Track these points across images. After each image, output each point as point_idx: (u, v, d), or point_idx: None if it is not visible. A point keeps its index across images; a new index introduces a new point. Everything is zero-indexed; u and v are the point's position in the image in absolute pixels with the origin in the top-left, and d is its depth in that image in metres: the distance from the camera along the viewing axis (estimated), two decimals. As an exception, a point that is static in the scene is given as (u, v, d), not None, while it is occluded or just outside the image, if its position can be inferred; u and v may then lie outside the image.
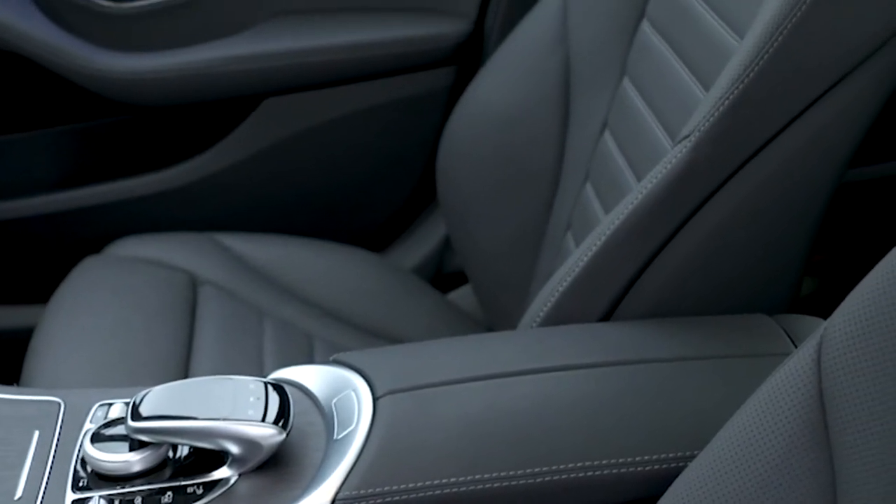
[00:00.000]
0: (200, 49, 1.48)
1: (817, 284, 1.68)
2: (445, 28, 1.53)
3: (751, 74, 0.89)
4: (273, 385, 0.79)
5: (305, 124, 1.54)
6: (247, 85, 1.49)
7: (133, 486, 0.76)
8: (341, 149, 1.57)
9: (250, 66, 1.48)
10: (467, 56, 1.56)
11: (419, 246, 1.66)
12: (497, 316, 1.36)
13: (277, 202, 1.59)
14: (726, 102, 0.90)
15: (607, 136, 1.21)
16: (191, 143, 1.54)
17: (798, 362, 0.64)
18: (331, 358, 0.89)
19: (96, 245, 1.41)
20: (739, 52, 0.91)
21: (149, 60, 1.47)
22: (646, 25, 1.18)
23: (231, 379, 0.79)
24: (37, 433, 0.81)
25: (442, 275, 1.66)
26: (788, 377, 0.64)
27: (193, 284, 1.31)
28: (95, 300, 1.27)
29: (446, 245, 1.65)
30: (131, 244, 1.38)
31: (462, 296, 1.59)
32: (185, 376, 1.17)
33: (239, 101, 1.52)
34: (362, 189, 1.62)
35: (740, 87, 0.89)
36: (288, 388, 0.81)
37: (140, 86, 1.47)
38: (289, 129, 1.53)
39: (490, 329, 1.41)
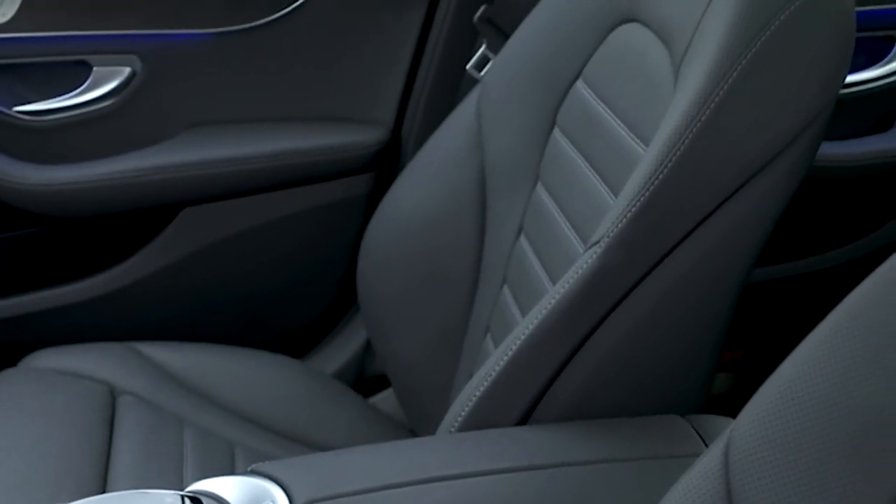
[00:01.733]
0: (118, 160, 1.48)
1: (733, 381, 1.71)
2: (363, 136, 1.56)
3: (656, 182, 0.92)
4: (190, 498, 0.79)
5: (224, 233, 1.54)
6: (165, 195, 1.50)
7: None
8: (261, 256, 1.58)
9: (168, 176, 1.48)
10: (385, 163, 1.58)
11: (340, 350, 1.66)
12: (419, 419, 1.36)
13: (198, 310, 1.58)
14: (633, 209, 0.92)
15: (523, 240, 1.23)
16: (109, 253, 1.54)
17: (707, 464, 0.65)
18: (249, 468, 0.89)
19: (13, 357, 1.40)
20: (645, 160, 0.94)
21: (67, 172, 1.47)
22: (557, 133, 1.21)
23: (147, 493, 0.79)
24: (-52, 554, 0.80)
25: (364, 379, 1.66)
26: (698, 478, 0.65)
27: (112, 395, 1.30)
28: (10, 414, 1.25)
29: (368, 349, 1.65)
30: (49, 356, 1.36)
31: (384, 399, 1.59)
32: (103, 491, 1.15)
33: (157, 211, 1.52)
34: (282, 295, 1.62)
35: (646, 194, 0.92)
36: (206, 501, 0.80)
37: (58, 197, 1.47)
38: (208, 238, 1.54)
39: (413, 432, 1.42)
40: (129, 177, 1.47)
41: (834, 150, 1.51)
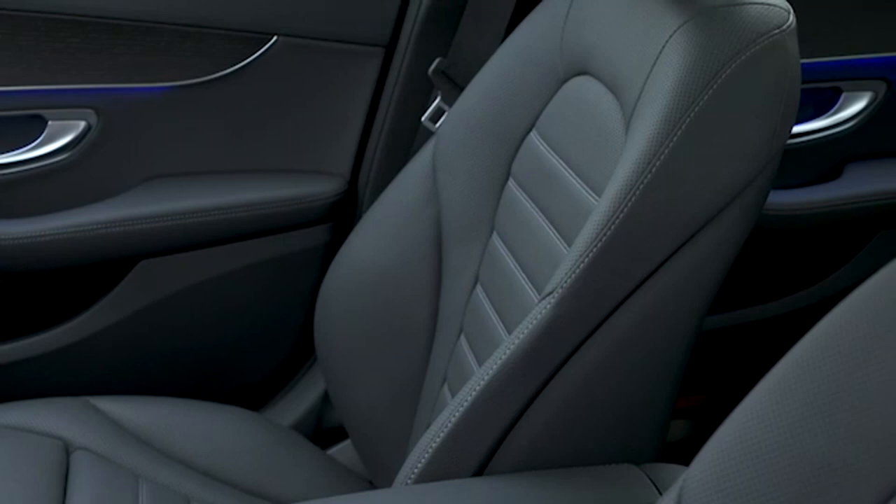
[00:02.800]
0: (74, 214, 1.47)
1: (691, 428, 1.72)
2: (320, 187, 1.56)
3: (608, 233, 0.93)
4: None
5: (181, 285, 1.54)
6: (121, 247, 1.49)
7: None
8: (218, 308, 1.58)
9: (124, 229, 1.48)
10: (342, 214, 1.59)
11: (298, 402, 1.65)
12: (378, 470, 1.36)
13: (154, 363, 1.58)
14: (587, 259, 0.93)
15: (479, 290, 1.24)
16: (65, 307, 1.53)
17: (660, 513, 0.66)
18: (205, 524, 0.89)
19: (-34, 413, 1.38)
20: (597, 210, 0.95)
21: (21, 226, 1.46)
22: (512, 184, 1.22)
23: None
24: None
25: (322, 430, 1.66)
26: (651, 528, 0.66)
27: (66, 451, 1.28)
28: (-37, 472, 1.23)
29: (325, 400, 1.65)
30: (1, 411, 1.35)
31: (342, 451, 1.58)
32: (57, 547, 1.14)
33: (113, 264, 1.51)
34: (240, 347, 1.62)
35: (599, 244, 0.93)
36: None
37: (13, 251, 1.46)
38: (164, 290, 1.53)
39: (372, 483, 1.41)
40: (84, 230, 1.47)
41: (784, 199, 1.54)
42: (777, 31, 0.97)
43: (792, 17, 1.00)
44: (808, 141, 1.57)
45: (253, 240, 1.55)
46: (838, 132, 1.58)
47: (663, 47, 0.98)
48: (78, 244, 1.47)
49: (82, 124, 1.47)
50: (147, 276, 1.52)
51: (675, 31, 0.98)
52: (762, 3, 1.00)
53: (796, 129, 1.57)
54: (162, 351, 1.57)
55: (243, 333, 1.61)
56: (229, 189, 1.53)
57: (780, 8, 1.00)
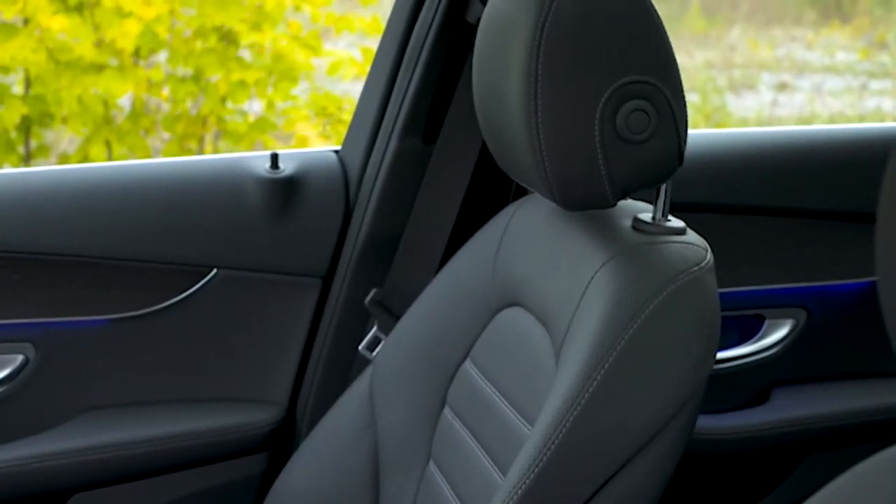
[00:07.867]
0: (9, 448, 1.45)
1: None
2: (257, 416, 1.56)
3: (541, 463, 0.95)
4: None
5: (116, 520, 1.51)
6: (55, 482, 1.47)
7: None
8: (153, 540, 1.55)
9: (59, 463, 1.45)
10: (279, 443, 1.59)
11: None
12: None
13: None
14: (519, 491, 0.95)
15: (417, 519, 1.24)
16: (-5, 543, 1.49)
17: None
18: None
19: None
20: (530, 441, 0.98)
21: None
22: (447, 412, 1.24)
23: None
24: None
25: None
26: None
27: None
28: None
29: None
30: None
31: None
32: None
33: (46, 498, 1.48)
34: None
35: (532, 476, 0.95)
36: None
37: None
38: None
39: None
40: (17, 465, 1.44)
41: (713, 424, 1.56)
42: (696, 268, 1.02)
43: (709, 255, 1.05)
44: (735, 366, 1.61)
45: (189, 470, 1.54)
46: (763, 358, 1.62)
47: (589, 283, 1.03)
48: (10, 479, 1.45)
49: (20, 358, 1.47)
50: (79, 510, 1.49)
51: (599, 268, 1.03)
52: (681, 242, 1.05)
53: (722, 354, 1.61)
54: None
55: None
56: (166, 419, 1.53)
57: (698, 246, 1.06)
